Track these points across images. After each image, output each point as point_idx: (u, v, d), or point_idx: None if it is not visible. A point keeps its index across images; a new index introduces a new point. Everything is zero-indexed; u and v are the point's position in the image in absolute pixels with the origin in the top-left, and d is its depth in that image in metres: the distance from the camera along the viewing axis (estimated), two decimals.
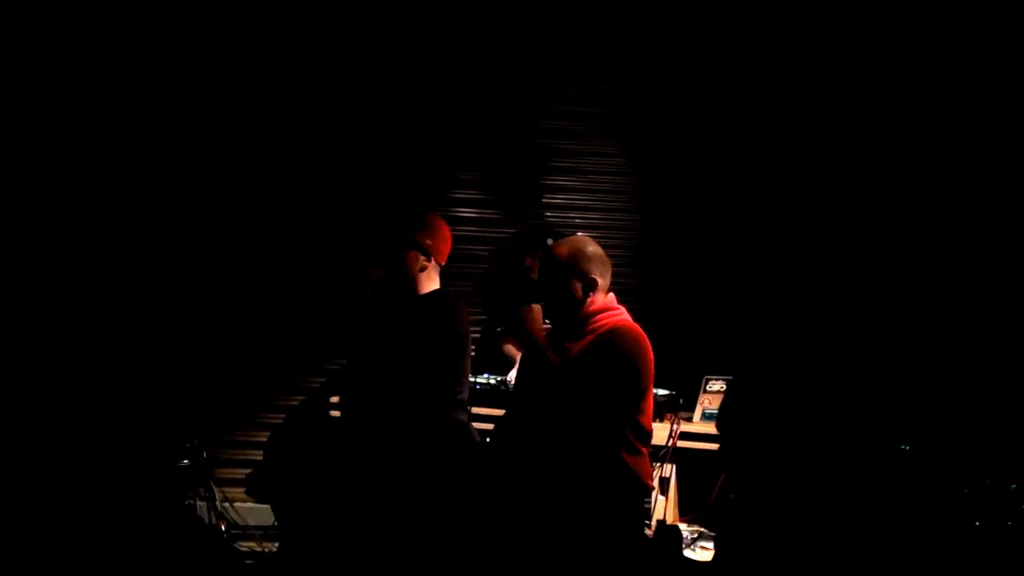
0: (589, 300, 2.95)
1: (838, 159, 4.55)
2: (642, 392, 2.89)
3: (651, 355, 2.91)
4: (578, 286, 2.93)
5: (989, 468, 3.90)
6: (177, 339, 4.46)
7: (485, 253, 4.71)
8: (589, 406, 2.81)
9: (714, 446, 4.08)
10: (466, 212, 4.71)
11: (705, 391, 4.12)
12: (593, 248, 2.99)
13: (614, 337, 2.87)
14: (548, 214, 4.76)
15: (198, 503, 4.26)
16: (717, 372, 4.12)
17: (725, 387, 4.17)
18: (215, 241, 4.52)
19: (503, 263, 4.63)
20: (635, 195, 4.76)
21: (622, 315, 2.99)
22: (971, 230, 4.38)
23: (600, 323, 2.93)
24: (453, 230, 4.64)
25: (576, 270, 2.93)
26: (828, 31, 4.51)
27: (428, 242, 3.40)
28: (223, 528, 4.33)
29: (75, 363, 4.34)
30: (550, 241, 4.24)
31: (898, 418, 4.22)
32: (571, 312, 2.95)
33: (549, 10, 4.64)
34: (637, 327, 2.93)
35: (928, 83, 4.46)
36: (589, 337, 2.92)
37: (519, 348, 4.30)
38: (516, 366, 4.19)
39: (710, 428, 4.12)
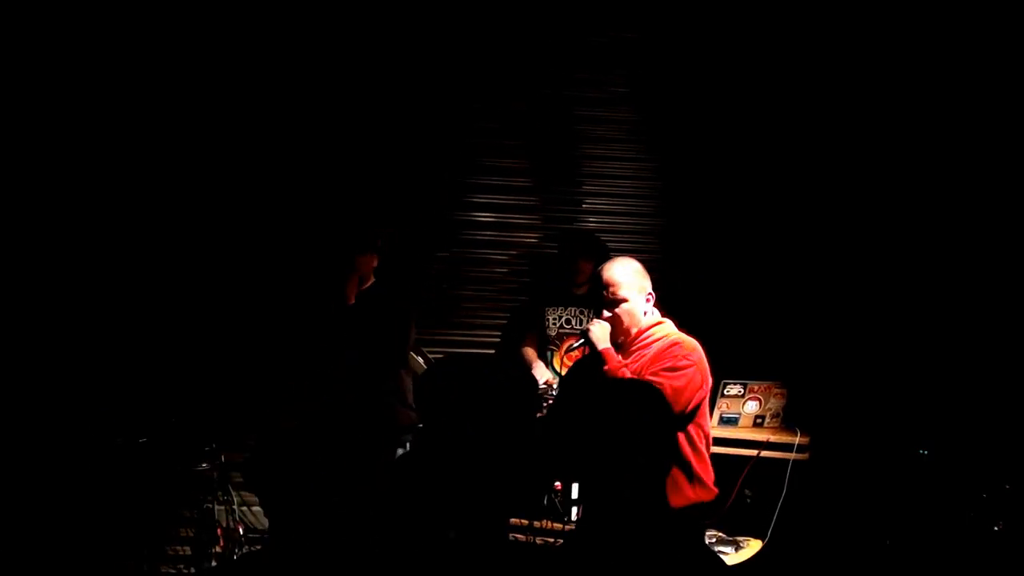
0: (647, 314, 3.10)
1: (861, 164, 4.54)
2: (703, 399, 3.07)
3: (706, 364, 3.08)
4: (643, 300, 3.08)
5: (1008, 472, 3.89)
6: (196, 343, 4.47)
7: (504, 257, 4.72)
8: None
9: (732, 450, 4.08)
10: (484, 216, 4.72)
11: (723, 395, 4.12)
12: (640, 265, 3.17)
13: (678, 351, 2.99)
14: (568, 218, 4.76)
15: (216, 507, 4.26)
16: (735, 376, 4.12)
17: (743, 391, 4.18)
18: (234, 246, 4.52)
19: (552, 265, 4.62)
20: (656, 199, 4.76)
21: (671, 327, 3.13)
22: (996, 235, 4.37)
23: (656, 337, 3.07)
24: (471, 234, 4.72)
25: (642, 285, 3.09)
26: (854, 30, 4.50)
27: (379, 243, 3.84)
28: (241, 532, 4.33)
29: (94, 368, 4.35)
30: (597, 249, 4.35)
31: (917, 423, 4.21)
32: (636, 327, 3.07)
33: (571, 12, 4.63)
34: (693, 342, 3.06)
35: (945, 85, 4.46)
36: (648, 351, 3.04)
37: (537, 352, 4.31)
38: (536, 372, 4.21)
39: (727, 432, 4.13)
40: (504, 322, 4.66)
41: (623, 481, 2.72)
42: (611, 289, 3.06)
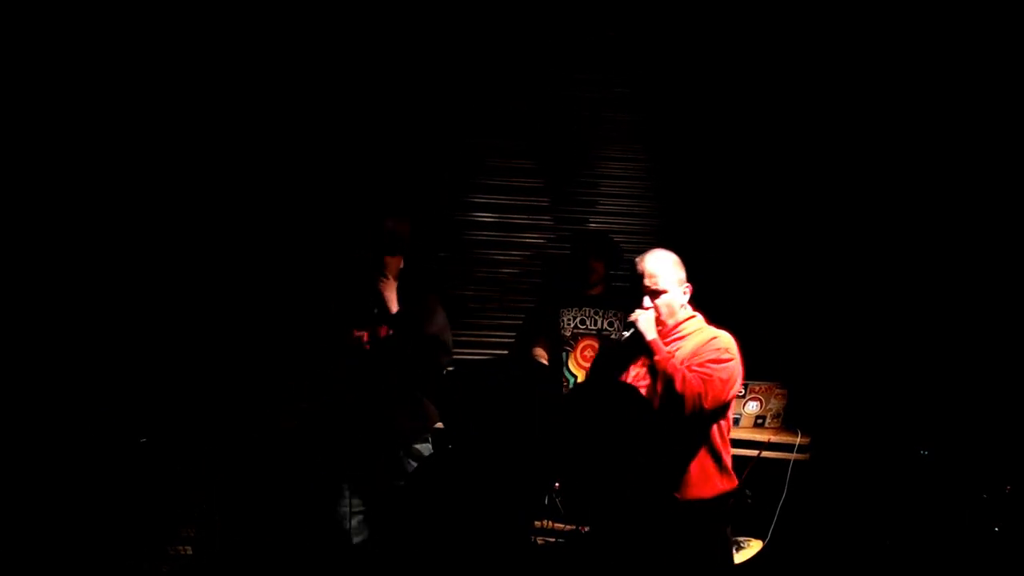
0: (683, 307, 3.13)
1: (863, 165, 4.55)
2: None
3: None
4: (681, 292, 3.10)
5: (1008, 473, 3.90)
6: (197, 344, 4.46)
7: (506, 258, 4.72)
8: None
9: (732, 450, 4.08)
10: (485, 217, 4.72)
11: None
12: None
13: (719, 345, 3.03)
14: (570, 218, 4.76)
15: (216, 506, 4.25)
16: None
17: (744, 392, 4.19)
18: (233, 247, 4.52)
19: (562, 264, 4.61)
20: (658, 199, 4.76)
21: (703, 320, 3.16)
22: (996, 236, 4.38)
23: (692, 329, 3.11)
24: (473, 235, 4.72)
25: (681, 276, 3.11)
26: (854, 30, 4.51)
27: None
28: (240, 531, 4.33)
29: (94, 368, 4.34)
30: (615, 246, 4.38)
31: (917, 423, 4.22)
32: (673, 318, 3.10)
33: (568, 13, 4.63)
34: (730, 336, 3.09)
35: (945, 84, 4.46)
36: (686, 343, 3.07)
37: (549, 351, 4.30)
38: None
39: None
40: (507, 322, 4.65)
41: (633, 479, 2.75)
42: (652, 279, 3.06)
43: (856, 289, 4.53)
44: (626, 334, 3.11)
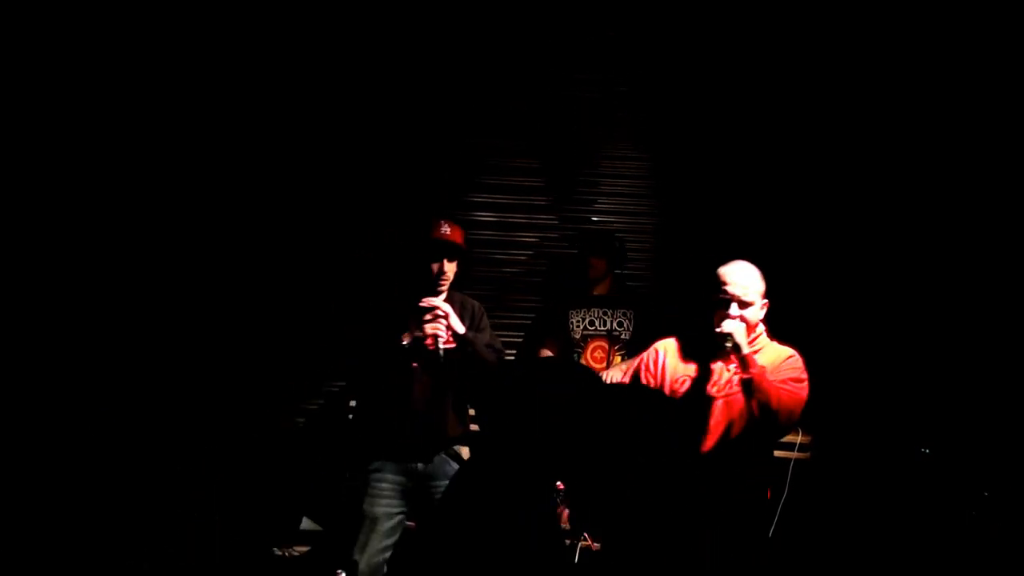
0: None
1: (864, 165, 4.56)
2: None
3: None
4: (760, 308, 3.01)
5: (1009, 472, 3.91)
6: (197, 343, 4.47)
7: (504, 257, 4.72)
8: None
9: None
10: (485, 216, 4.72)
11: None
12: None
13: (796, 364, 2.99)
14: (570, 217, 4.78)
15: (216, 506, 4.26)
16: None
17: None
18: (233, 247, 4.53)
19: (567, 264, 4.61)
20: (657, 198, 4.78)
21: (765, 334, 3.09)
22: (996, 235, 4.39)
23: (763, 345, 3.04)
24: (472, 234, 4.71)
25: (763, 290, 3.02)
26: (854, 29, 4.51)
27: None
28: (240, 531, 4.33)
29: (94, 368, 4.34)
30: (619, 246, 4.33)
31: (919, 422, 4.22)
32: (752, 333, 3.01)
33: (567, 12, 4.65)
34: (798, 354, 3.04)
35: (944, 83, 4.47)
36: (761, 358, 2.98)
37: (558, 353, 4.28)
38: None
39: None
40: (509, 322, 4.64)
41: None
42: (742, 290, 2.96)
43: (857, 288, 4.53)
44: (728, 348, 2.94)
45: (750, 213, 4.66)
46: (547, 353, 4.29)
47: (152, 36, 4.42)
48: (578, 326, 4.31)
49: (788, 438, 4.08)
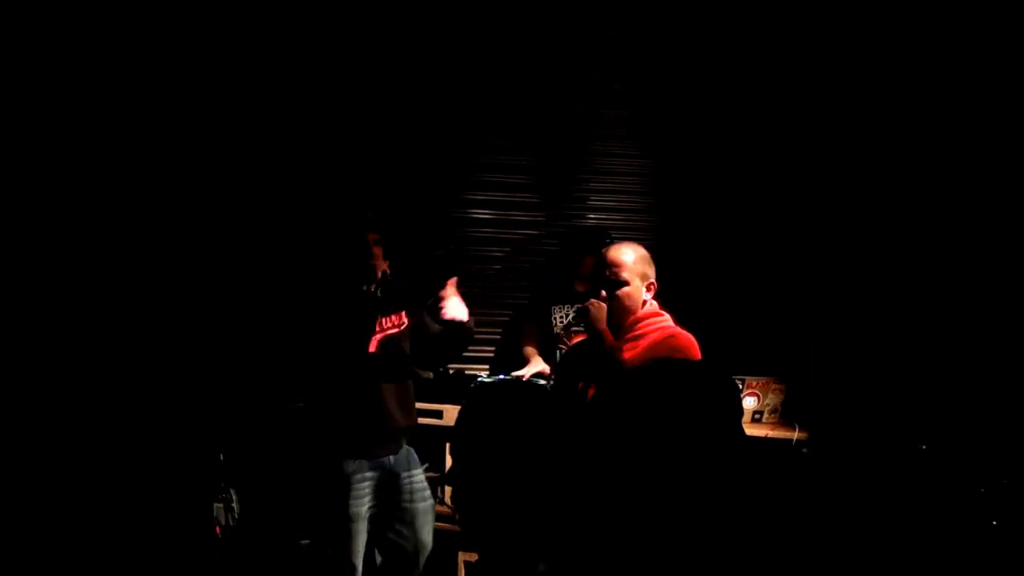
0: (646, 303, 3.01)
1: (859, 160, 4.55)
2: None
3: None
4: (644, 288, 3.00)
5: (1006, 468, 3.90)
6: (195, 341, 4.47)
7: (500, 255, 4.73)
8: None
9: None
10: (481, 214, 4.73)
11: None
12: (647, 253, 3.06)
13: (675, 343, 2.90)
14: (566, 215, 4.77)
15: (215, 505, 4.25)
16: (733, 372, 4.12)
17: (741, 387, 4.19)
18: (229, 244, 4.53)
19: (551, 259, 4.63)
20: (654, 195, 4.77)
21: (669, 321, 3.02)
22: (992, 229, 4.38)
23: (653, 327, 2.97)
24: (469, 232, 4.73)
25: (645, 272, 3.00)
26: (848, 29, 4.51)
27: None
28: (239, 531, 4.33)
29: (94, 368, 4.35)
30: (608, 242, 4.30)
31: (916, 418, 4.22)
32: (631, 313, 2.98)
33: (565, 12, 4.64)
34: (690, 336, 2.95)
35: (943, 80, 4.47)
36: (642, 342, 2.93)
37: (539, 348, 4.31)
38: (532, 366, 4.22)
39: None
40: (501, 319, 4.65)
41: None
42: (613, 270, 2.98)
43: (853, 284, 4.53)
44: (572, 323, 3.05)
45: (745, 209, 4.66)
46: (529, 348, 4.31)
47: (150, 35, 4.41)
48: (561, 322, 4.32)
49: (785, 434, 4.10)
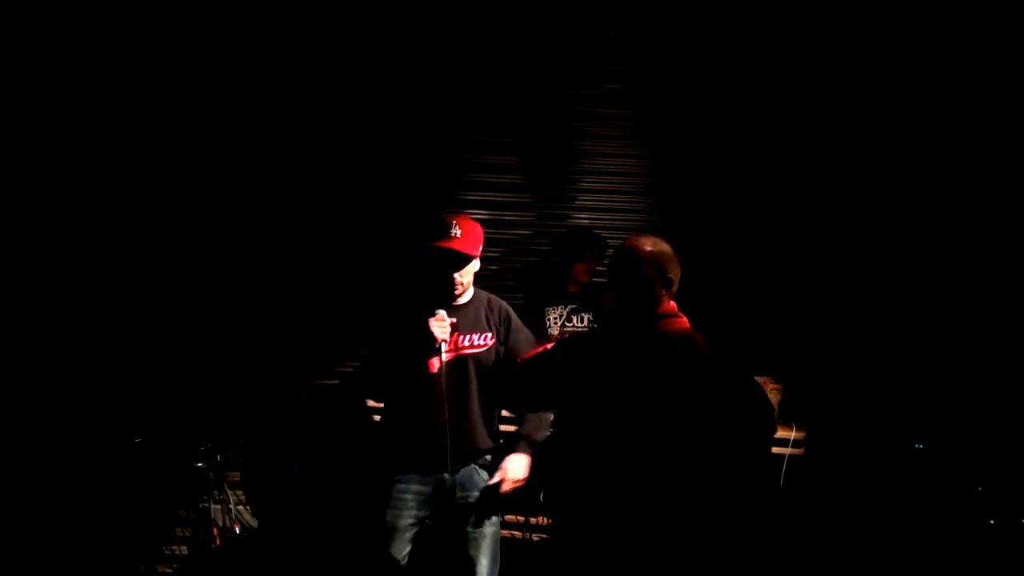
0: (663, 301, 2.85)
1: (857, 159, 4.54)
2: None
3: None
4: (657, 285, 2.83)
5: (1003, 466, 3.90)
6: (192, 342, 4.48)
7: (496, 255, 4.72)
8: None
9: None
10: (479, 214, 4.72)
11: None
12: (671, 249, 2.90)
13: (689, 343, 2.80)
14: (563, 214, 4.77)
15: (212, 506, 4.26)
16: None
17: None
18: (226, 243, 4.55)
19: (547, 263, 4.61)
20: (650, 195, 4.76)
21: (684, 320, 2.90)
22: (990, 228, 4.38)
23: (669, 326, 2.84)
24: None
25: (659, 267, 2.83)
26: (845, 28, 4.50)
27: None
28: (236, 531, 4.33)
29: (90, 366, 4.36)
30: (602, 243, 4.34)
31: (912, 417, 4.22)
32: (647, 310, 2.83)
33: (562, 12, 4.63)
34: (703, 338, 2.86)
35: (943, 80, 4.46)
36: (655, 339, 2.81)
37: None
38: None
39: None
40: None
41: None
42: (627, 264, 2.85)
43: (850, 283, 4.53)
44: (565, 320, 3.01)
45: (742, 209, 4.66)
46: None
47: (150, 35, 4.43)
48: (555, 323, 4.33)
49: (782, 433, 4.09)
